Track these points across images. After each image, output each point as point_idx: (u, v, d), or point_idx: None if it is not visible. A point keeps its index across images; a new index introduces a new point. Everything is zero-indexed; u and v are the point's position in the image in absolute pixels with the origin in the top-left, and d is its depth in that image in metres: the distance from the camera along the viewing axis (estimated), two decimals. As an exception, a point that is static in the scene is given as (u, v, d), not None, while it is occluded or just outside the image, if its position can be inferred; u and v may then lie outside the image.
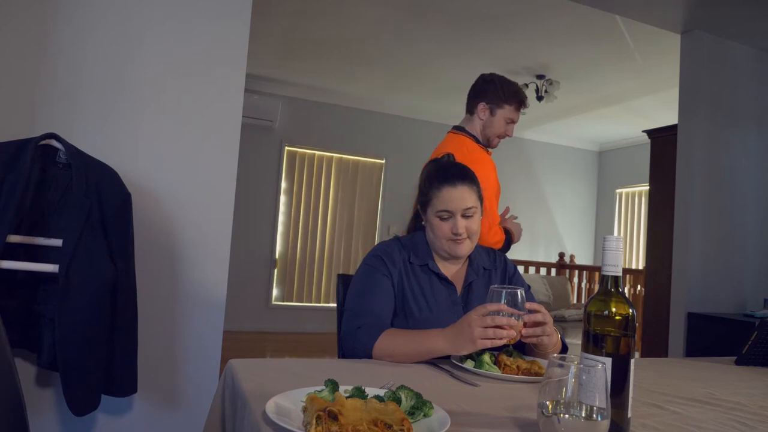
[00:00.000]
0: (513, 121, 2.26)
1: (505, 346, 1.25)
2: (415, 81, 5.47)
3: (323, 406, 0.76)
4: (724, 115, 3.39)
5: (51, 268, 1.61)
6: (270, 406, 0.82)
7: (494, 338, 1.17)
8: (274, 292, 6.18)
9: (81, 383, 1.62)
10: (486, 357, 1.24)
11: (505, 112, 2.23)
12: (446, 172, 1.46)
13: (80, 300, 1.59)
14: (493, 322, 1.16)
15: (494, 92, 2.23)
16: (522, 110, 2.27)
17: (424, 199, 1.48)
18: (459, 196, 1.41)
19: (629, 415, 0.84)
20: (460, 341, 1.20)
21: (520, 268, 5.17)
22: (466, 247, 1.44)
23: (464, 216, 1.42)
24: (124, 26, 1.99)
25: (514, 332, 1.18)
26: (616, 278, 0.86)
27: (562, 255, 6.44)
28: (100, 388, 1.69)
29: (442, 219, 1.43)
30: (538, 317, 1.23)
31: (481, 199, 1.47)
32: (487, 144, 2.29)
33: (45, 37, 1.89)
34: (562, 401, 0.74)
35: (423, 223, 1.52)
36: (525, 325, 1.21)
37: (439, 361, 1.27)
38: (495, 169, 2.21)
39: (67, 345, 1.58)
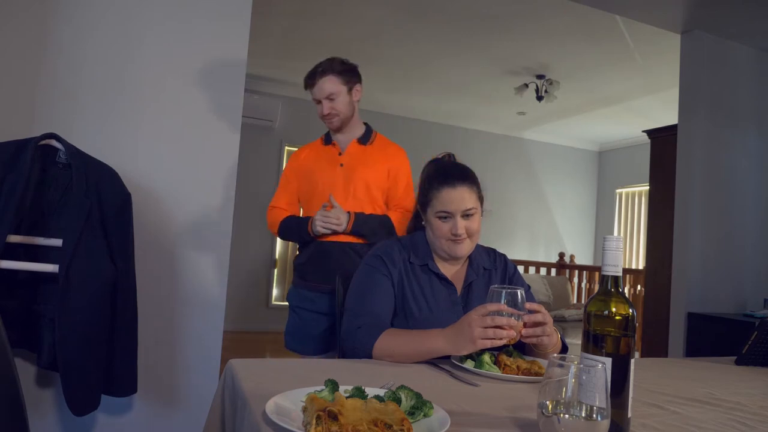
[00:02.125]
0: (315, 100, 2.08)
1: (505, 346, 1.25)
2: (415, 81, 5.47)
3: (323, 406, 0.76)
4: (724, 115, 3.39)
5: (51, 268, 1.60)
6: (270, 406, 0.82)
7: (494, 338, 1.17)
8: (274, 292, 6.18)
9: (81, 383, 1.62)
10: (486, 357, 1.24)
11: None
12: (446, 172, 1.46)
13: (80, 300, 1.59)
14: (493, 322, 1.16)
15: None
16: (314, 89, 2.05)
17: (423, 200, 1.48)
18: (458, 197, 1.41)
19: (629, 415, 0.84)
20: (460, 341, 1.19)
21: (520, 268, 5.17)
22: (465, 248, 1.44)
23: (464, 216, 1.42)
24: (124, 26, 1.99)
25: (514, 332, 1.18)
26: (616, 278, 0.86)
27: (562, 255, 6.43)
28: (100, 388, 1.69)
29: (441, 219, 1.43)
30: (538, 317, 1.23)
31: (481, 199, 1.47)
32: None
33: (45, 37, 1.89)
34: (562, 401, 0.74)
35: (423, 223, 1.52)
36: (525, 325, 1.21)
37: (439, 361, 1.27)
38: (293, 159, 2.16)
39: (67, 345, 1.58)
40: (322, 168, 2.08)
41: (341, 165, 2.06)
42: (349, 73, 2.09)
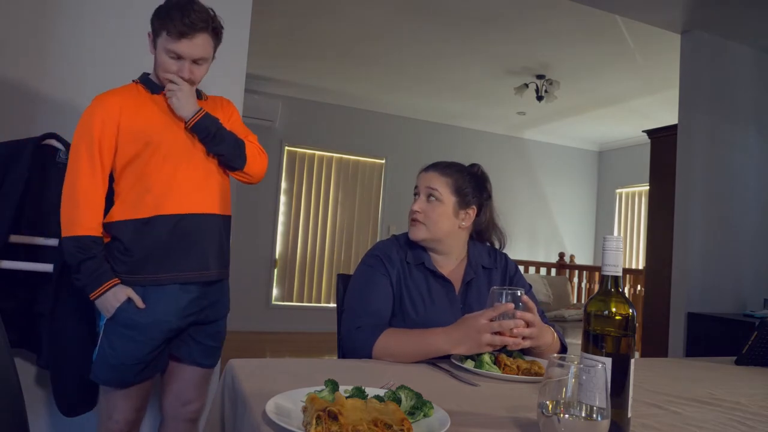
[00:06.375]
0: (174, 53, 1.51)
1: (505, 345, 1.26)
2: (415, 81, 5.47)
3: (323, 406, 0.76)
4: (724, 115, 3.39)
5: (48, 267, 1.60)
6: (270, 406, 0.82)
7: (500, 344, 1.20)
8: (274, 292, 6.18)
9: (70, 383, 1.61)
10: (486, 357, 1.24)
11: (163, 41, 1.51)
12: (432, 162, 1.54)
13: (72, 299, 1.58)
14: (500, 328, 1.19)
15: (154, 17, 1.54)
16: (183, 41, 1.49)
17: None
18: (427, 177, 1.48)
19: (629, 415, 0.84)
20: (465, 342, 1.21)
21: (520, 268, 5.16)
22: (418, 232, 1.45)
23: (427, 197, 1.45)
24: (125, 26, 1.99)
25: (520, 338, 1.21)
26: (616, 278, 0.86)
27: (562, 255, 6.43)
28: (93, 389, 1.68)
29: (413, 198, 1.51)
30: (528, 316, 1.24)
31: (459, 192, 1.46)
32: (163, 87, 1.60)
33: (45, 37, 1.89)
34: (562, 401, 0.74)
35: None
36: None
37: (439, 361, 1.27)
38: (103, 113, 1.52)
39: (57, 344, 1.58)
40: (164, 125, 1.55)
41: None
42: (218, 38, 1.59)
